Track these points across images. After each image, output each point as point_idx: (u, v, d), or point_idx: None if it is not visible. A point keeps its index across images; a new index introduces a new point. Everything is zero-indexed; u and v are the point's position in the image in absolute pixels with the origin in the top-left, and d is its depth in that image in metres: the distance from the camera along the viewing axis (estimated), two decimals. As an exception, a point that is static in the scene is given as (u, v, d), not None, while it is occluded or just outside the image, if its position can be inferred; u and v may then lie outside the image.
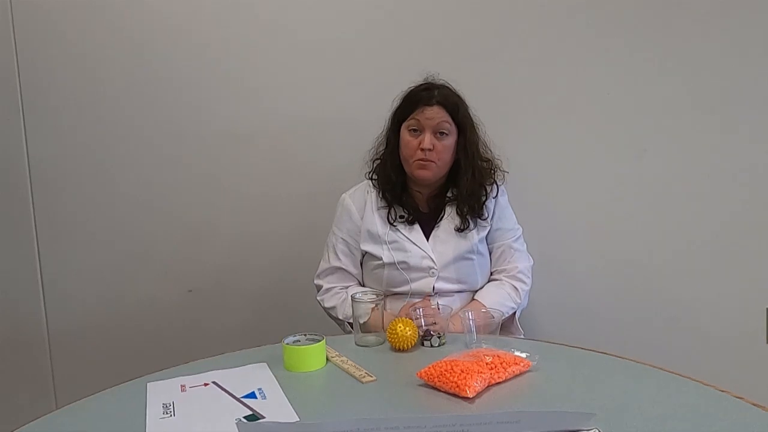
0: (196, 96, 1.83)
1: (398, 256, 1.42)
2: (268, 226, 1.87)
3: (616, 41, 1.72)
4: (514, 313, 1.46)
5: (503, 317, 1.41)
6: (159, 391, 1.03)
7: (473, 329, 1.16)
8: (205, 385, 1.05)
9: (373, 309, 1.23)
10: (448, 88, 1.45)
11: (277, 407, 0.94)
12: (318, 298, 1.50)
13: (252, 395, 0.99)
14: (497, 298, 1.42)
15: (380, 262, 1.43)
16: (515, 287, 1.45)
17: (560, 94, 1.76)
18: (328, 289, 1.48)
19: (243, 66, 1.82)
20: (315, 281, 1.51)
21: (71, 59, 1.83)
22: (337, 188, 1.56)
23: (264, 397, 0.98)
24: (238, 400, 0.97)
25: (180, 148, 1.86)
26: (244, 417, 0.91)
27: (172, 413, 0.94)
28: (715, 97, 1.71)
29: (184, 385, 1.05)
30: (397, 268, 1.41)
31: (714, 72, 1.70)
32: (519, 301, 1.45)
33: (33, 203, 1.90)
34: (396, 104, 1.47)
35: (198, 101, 1.83)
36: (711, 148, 1.72)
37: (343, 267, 1.48)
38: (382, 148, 1.51)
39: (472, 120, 1.46)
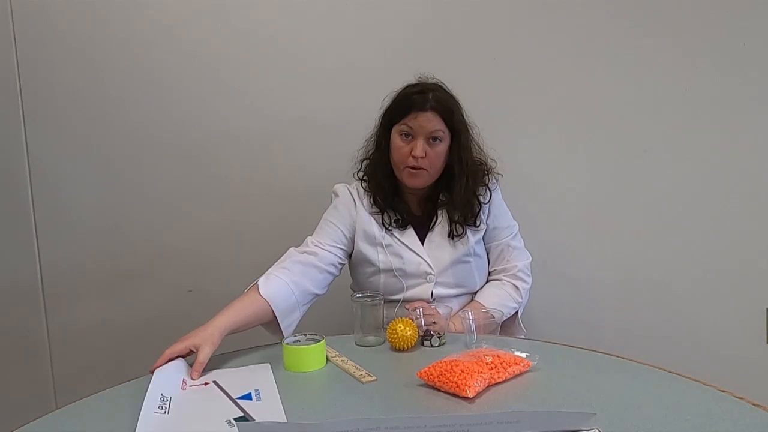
0: (196, 96, 1.83)
1: (395, 263, 1.38)
2: (269, 226, 1.87)
3: (615, 40, 1.72)
4: (516, 312, 1.46)
5: (505, 317, 1.41)
6: (162, 380, 1.03)
7: (473, 329, 1.16)
8: (206, 384, 1.05)
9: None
10: (442, 89, 1.39)
11: (269, 410, 0.93)
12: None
13: (248, 396, 0.99)
14: (498, 299, 1.41)
15: (375, 268, 1.40)
16: (516, 286, 1.44)
17: (560, 94, 1.76)
18: (286, 258, 1.34)
19: (243, 65, 1.82)
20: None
21: (71, 59, 1.84)
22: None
23: (259, 399, 0.98)
24: (233, 401, 0.97)
25: (180, 149, 1.86)
26: (234, 418, 0.90)
27: (167, 410, 0.94)
28: (716, 98, 1.71)
29: (185, 381, 1.05)
30: (395, 275, 1.38)
31: (714, 72, 1.70)
32: (520, 300, 1.44)
33: (33, 203, 1.90)
34: (387, 104, 1.41)
35: (198, 101, 1.84)
36: (711, 148, 1.72)
37: (311, 251, 1.35)
38: (371, 149, 1.46)
39: (466, 123, 1.41)
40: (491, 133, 1.56)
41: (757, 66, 1.68)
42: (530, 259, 1.50)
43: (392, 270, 1.39)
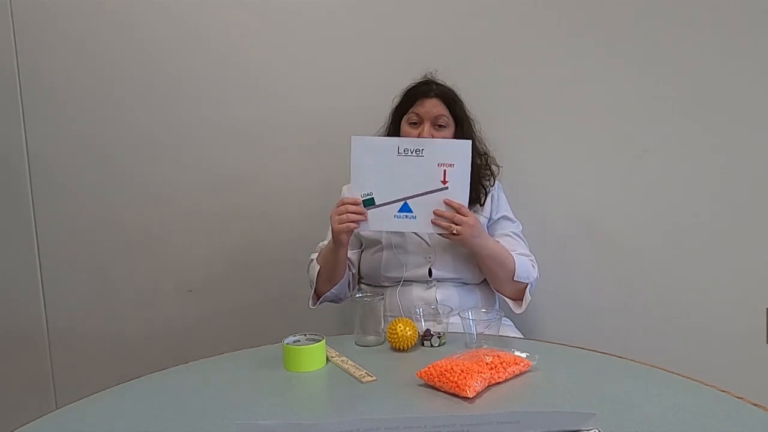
0: (197, 94, 1.83)
1: (395, 240, 1.45)
2: (269, 226, 1.87)
3: (615, 40, 1.72)
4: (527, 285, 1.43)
5: (526, 279, 1.40)
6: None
7: (473, 329, 1.16)
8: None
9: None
10: (445, 85, 1.50)
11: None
12: (308, 269, 1.50)
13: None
14: (522, 261, 1.41)
15: (379, 246, 1.46)
16: (531, 260, 1.45)
17: (561, 95, 1.75)
18: (311, 259, 1.49)
19: (243, 60, 1.82)
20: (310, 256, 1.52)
21: (71, 58, 1.84)
22: (339, 187, 1.56)
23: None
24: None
25: (180, 148, 1.86)
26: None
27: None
28: (716, 98, 1.71)
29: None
30: (395, 252, 1.43)
31: (714, 72, 1.70)
32: (535, 275, 1.44)
33: (33, 202, 1.90)
34: (396, 101, 1.51)
35: (199, 99, 1.83)
36: (711, 148, 1.72)
37: None
38: None
39: (468, 116, 1.50)
40: (491, 133, 1.57)
41: (758, 66, 1.68)
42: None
43: (393, 247, 1.44)
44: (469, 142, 1.33)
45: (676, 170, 1.74)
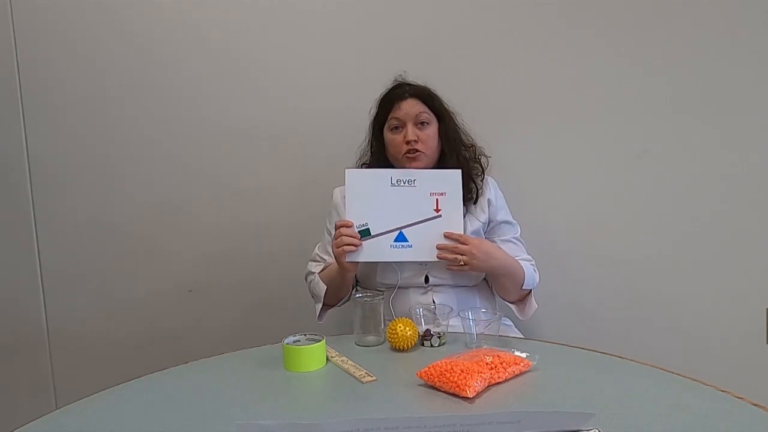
0: (196, 93, 1.83)
1: None
2: (269, 227, 1.87)
3: (616, 39, 1.72)
4: (530, 291, 1.45)
5: (532, 285, 1.42)
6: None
7: (473, 329, 1.16)
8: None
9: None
10: (417, 83, 1.48)
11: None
12: (306, 279, 1.51)
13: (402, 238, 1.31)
14: (527, 268, 1.41)
15: None
16: (533, 264, 1.45)
17: (561, 95, 1.75)
18: (311, 272, 1.49)
19: (241, 61, 1.82)
20: (307, 265, 1.52)
21: (71, 58, 1.84)
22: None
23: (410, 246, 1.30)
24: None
25: (180, 147, 1.86)
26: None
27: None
28: (716, 97, 1.71)
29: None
30: (389, 262, 1.41)
31: (715, 71, 1.70)
32: (537, 279, 1.45)
33: (33, 202, 1.90)
34: (373, 112, 1.50)
35: (197, 98, 1.83)
36: (711, 148, 1.72)
37: (329, 261, 1.48)
38: (366, 156, 1.53)
39: (448, 109, 1.48)
40: (490, 134, 1.57)
41: (758, 66, 1.68)
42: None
43: None
44: (459, 171, 1.35)
45: (677, 170, 1.74)
